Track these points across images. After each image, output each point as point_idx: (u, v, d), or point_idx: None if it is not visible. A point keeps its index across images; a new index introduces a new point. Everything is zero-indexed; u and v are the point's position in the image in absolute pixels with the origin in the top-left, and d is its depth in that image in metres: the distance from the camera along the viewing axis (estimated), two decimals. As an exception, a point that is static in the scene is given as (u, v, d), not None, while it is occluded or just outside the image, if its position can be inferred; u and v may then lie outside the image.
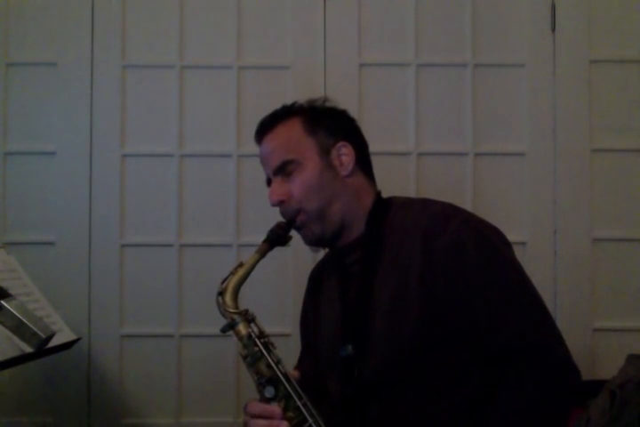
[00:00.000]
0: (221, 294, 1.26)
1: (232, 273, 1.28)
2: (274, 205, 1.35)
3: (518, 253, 1.32)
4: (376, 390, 1.26)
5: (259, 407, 1.21)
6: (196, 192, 2.03)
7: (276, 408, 1.19)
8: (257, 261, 1.28)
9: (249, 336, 1.23)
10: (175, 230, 2.01)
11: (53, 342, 1.30)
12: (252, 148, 1.48)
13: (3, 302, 1.06)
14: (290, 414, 1.19)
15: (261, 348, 1.22)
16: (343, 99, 1.49)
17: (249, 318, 1.25)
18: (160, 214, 2.02)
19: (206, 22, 2.05)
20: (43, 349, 1.17)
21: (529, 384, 1.18)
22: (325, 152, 1.35)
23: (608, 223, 2.01)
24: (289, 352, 1.63)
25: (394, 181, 1.85)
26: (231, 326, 1.24)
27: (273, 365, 1.21)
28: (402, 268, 1.26)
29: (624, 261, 2.01)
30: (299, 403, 1.19)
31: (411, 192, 1.99)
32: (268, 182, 1.38)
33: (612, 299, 2.00)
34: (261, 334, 1.25)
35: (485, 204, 2.00)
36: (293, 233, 1.35)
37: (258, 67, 2.04)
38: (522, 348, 1.20)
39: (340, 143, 1.36)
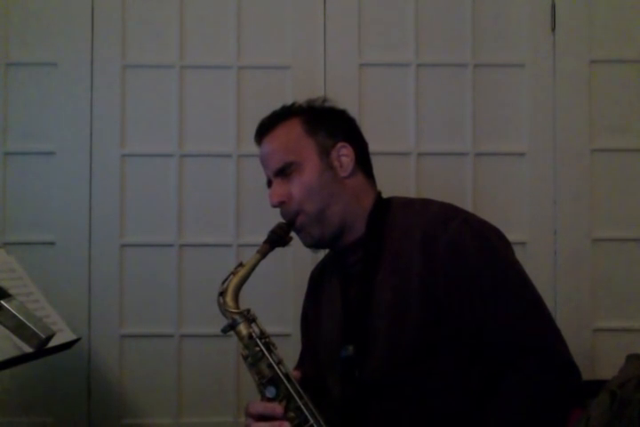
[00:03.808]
0: (222, 294, 1.26)
1: (233, 273, 1.28)
2: (274, 206, 1.35)
3: (518, 253, 1.32)
4: (377, 390, 1.26)
5: (260, 406, 1.21)
6: (196, 192, 2.02)
7: (277, 406, 1.19)
8: (258, 262, 1.28)
9: (250, 336, 1.23)
10: (175, 230, 2.01)
11: (53, 342, 1.30)
12: (252, 148, 1.47)
13: (3, 302, 1.06)
14: (291, 414, 1.19)
15: (262, 348, 1.23)
16: (343, 99, 1.49)
17: (250, 319, 1.25)
18: (160, 214, 2.02)
19: (206, 22, 2.05)
20: (43, 349, 1.17)
21: (530, 384, 1.18)
22: (325, 153, 1.34)
23: (608, 223, 2.01)
24: (289, 352, 1.63)
25: (394, 181, 1.86)
26: (232, 326, 1.25)
27: (274, 365, 1.22)
28: (402, 268, 1.26)
29: (624, 261, 2.01)
30: (300, 403, 1.20)
31: (411, 192, 1.98)
32: (269, 183, 1.38)
33: (612, 299, 2.00)
34: (262, 335, 1.25)
35: (485, 204, 2.00)
36: (294, 234, 1.35)
37: (258, 67, 2.04)
38: (522, 347, 1.20)
39: (340, 144, 1.35)
